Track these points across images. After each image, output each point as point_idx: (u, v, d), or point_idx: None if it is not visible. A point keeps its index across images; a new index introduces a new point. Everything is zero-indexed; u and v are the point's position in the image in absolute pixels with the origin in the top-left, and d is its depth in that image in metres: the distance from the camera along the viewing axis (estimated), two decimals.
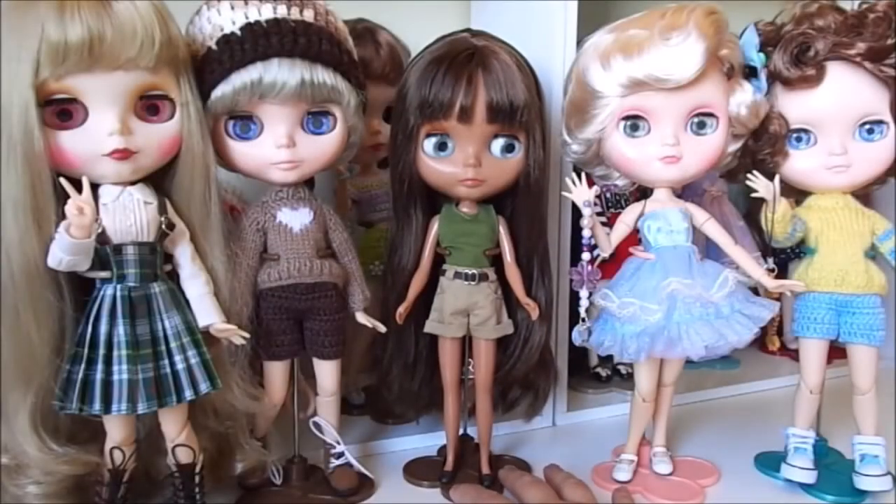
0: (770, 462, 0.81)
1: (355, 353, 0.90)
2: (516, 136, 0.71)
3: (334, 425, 0.75)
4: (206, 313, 0.63)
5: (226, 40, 0.63)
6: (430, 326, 0.74)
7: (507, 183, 0.72)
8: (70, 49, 0.54)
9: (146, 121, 0.60)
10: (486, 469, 0.76)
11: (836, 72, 0.72)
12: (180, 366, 0.61)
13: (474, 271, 0.73)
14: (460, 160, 0.69)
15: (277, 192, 0.70)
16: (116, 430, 0.62)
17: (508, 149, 0.71)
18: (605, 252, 0.73)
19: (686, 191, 0.85)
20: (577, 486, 0.69)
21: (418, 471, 0.79)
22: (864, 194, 0.79)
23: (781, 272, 0.76)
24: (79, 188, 0.56)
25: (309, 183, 0.73)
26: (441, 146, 0.70)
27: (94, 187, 0.58)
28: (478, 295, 0.73)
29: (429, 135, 0.70)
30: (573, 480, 0.70)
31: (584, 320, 0.73)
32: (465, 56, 0.68)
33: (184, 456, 0.64)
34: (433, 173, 0.71)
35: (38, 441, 0.59)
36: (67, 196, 0.55)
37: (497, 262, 0.75)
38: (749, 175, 0.73)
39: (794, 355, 0.92)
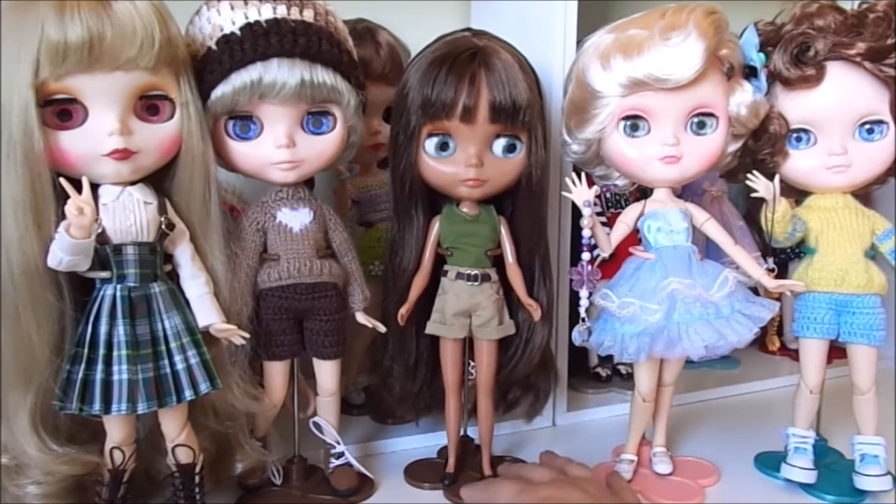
0: (770, 462, 0.81)
1: (355, 354, 0.90)
2: (518, 136, 0.71)
3: (334, 425, 0.75)
4: (206, 313, 0.63)
5: (226, 40, 0.63)
6: (431, 328, 0.74)
7: (508, 183, 0.72)
8: (70, 49, 0.54)
9: (146, 121, 0.60)
10: (487, 470, 0.76)
11: (836, 72, 0.72)
12: (180, 366, 0.61)
13: (476, 272, 0.73)
14: (462, 160, 0.69)
15: (277, 192, 0.70)
16: (116, 430, 0.62)
17: (510, 149, 0.71)
18: (605, 252, 0.73)
19: (686, 191, 0.86)
20: (580, 465, 0.69)
21: (419, 472, 0.79)
22: (864, 194, 0.79)
23: (781, 272, 0.76)
24: (79, 188, 0.56)
25: (309, 183, 0.73)
26: (443, 146, 0.70)
27: (94, 187, 0.58)
28: (480, 295, 0.73)
29: (430, 135, 0.70)
30: (574, 462, 0.70)
31: (584, 320, 0.73)
32: (468, 55, 0.67)
33: (184, 456, 0.64)
34: (434, 173, 0.71)
35: (38, 441, 0.59)
36: (67, 196, 0.55)
37: (498, 262, 0.75)
38: (749, 175, 0.73)
39: (794, 355, 0.93)
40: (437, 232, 0.74)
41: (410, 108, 0.69)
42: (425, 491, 0.76)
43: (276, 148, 0.66)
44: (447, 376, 0.75)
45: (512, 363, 0.77)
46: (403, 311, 0.72)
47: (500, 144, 0.70)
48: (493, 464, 0.77)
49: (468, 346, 0.76)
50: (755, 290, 0.75)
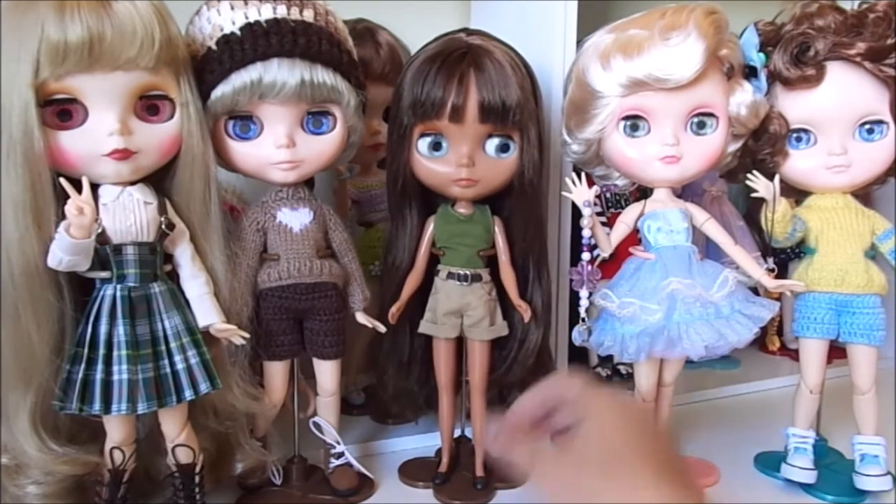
0: (770, 462, 0.81)
1: (355, 354, 0.90)
2: (510, 136, 0.70)
3: (334, 425, 0.75)
4: (206, 313, 0.63)
5: (226, 40, 0.63)
6: (423, 327, 0.74)
7: (501, 183, 0.72)
8: (70, 49, 0.54)
9: (146, 121, 0.60)
10: (479, 472, 0.76)
11: (836, 72, 0.72)
12: (180, 366, 0.61)
13: (467, 272, 0.72)
14: (454, 160, 0.69)
15: (277, 192, 0.70)
16: (116, 430, 0.62)
17: (503, 149, 0.71)
18: (605, 252, 0.73)
19: (686, 191, 0.86)
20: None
21: (413, 471, 0.79)
22: (864, 194, 0.79)
23: (781, 272, 0.76)
24: (79, 188, 0.56)
25: (309, 183, 0.73)
26: (435, 146, 0.70)
27: (94, 187, 0.58)
28: (470, 296, 0.72)
29: (423, 134, 0.70)
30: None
31: (584, 320, 0.73)
32: (458, 55, 0.67)
33: (184, 456, 0.64)
34: (427, 173, 0.71)
35: (38, 441, 0.59)
36: (67, 196, 0.55)
37: (493, 263, 0.74)
38: (749, 175, 0.73)
39: (794, 355, 0.92)
40: (431, 231, 0.74)
41: (403, 107, 0.69)
42: (419, 490, 0.76)
43: (276, 148, 0.66)
44: (440, 376, 0.75)
45: (506, 364, 0.77)
46: (394, 309, 0.72)
47: (492, 144, 0.70)
48: (487, 464, 0.77)
49: (465, 347, 0.76)
50: (755, 290, 0.75)
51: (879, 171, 0.75)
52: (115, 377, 0.58)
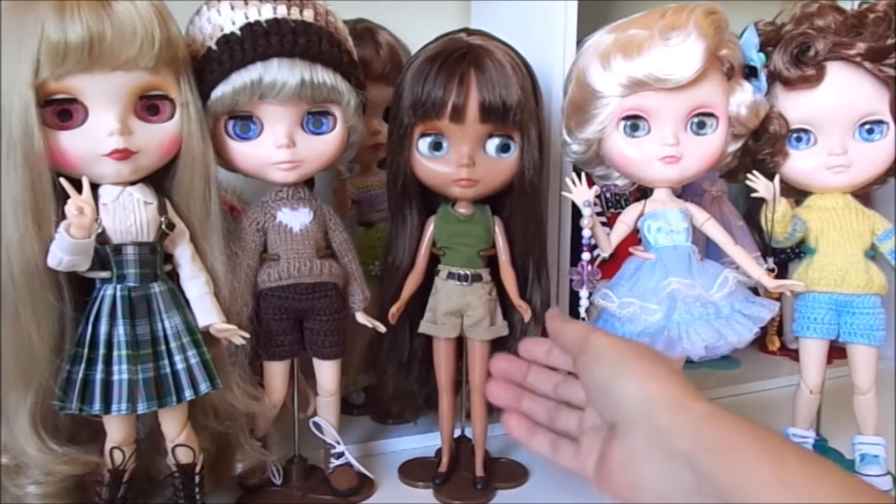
0: None
1: (355, 354, 0.90)
2: (511, 136, 0.70)
3: (334, 425, 0.75)
4: (206, 313, 0.63)
5: (226, 40, 0.63)
6: (423, 327, 0.74)
7: (502, 183, 0.72)
8: (70, 49, 0.54)
9: (146, 121, 0.60)
10: (479, 472, 0.76)
11: (836, 72, 0.72)
12: (180, 366, 0.61)
13: (467, 272, 0.72)
14: (454, 160, 0.69)
15: (277, 192, 0.70)
16: (116, 430, 0.62)
17: (503, 149, 0.70)
18: (605, 252, 0.73)
19: (686, 191, 0.86)
20: None
21: (413, 471, 0.79)
22: (864, 194, 0.79)
23: (781, 272, 0.76)
24: (79, 188, 0.56)
25: (309, 183, 0.73)
26: (436, 146, 0.70)
27: (94, 187, 0.58)
28: (471, 296, 0.72)
29: (423, 134, 0.69)
30: None
31: (584, 320, 0.73)
32: (458, 55, 0.67)
33: (184, 456, 0.64)
34: (428, 173, 0.71)
35: (38, 441, 0.59)
36: (67, 196, 0.55)
37: (493, 263, 0.74)
38: (749, 175, 0.73)
39: (794, 355, 0.92)
40: (431, 231, 0.74)
41: (403, 107, 0.69)
42: (419, 490, 0.76)
43: (277, 148, 0.66)
44: (440, 376, 0.75)
45: None
46: (394, 309, 0.72)
47: (493, 144, 0.70)
48: (487, 465, 0.77)
49: (465, 347, 0.76)
50: (755, 290, 0.75)
51: (879, 171, 0.75)
52: (115, 377, 0.58)
